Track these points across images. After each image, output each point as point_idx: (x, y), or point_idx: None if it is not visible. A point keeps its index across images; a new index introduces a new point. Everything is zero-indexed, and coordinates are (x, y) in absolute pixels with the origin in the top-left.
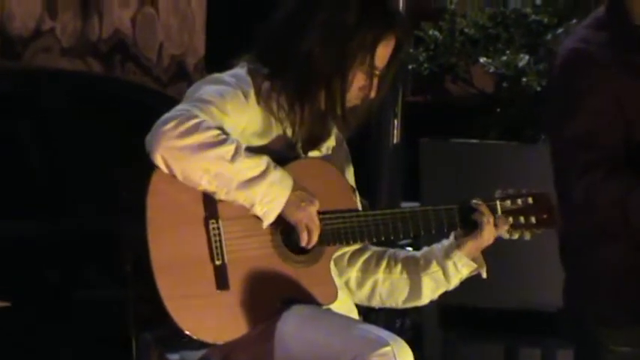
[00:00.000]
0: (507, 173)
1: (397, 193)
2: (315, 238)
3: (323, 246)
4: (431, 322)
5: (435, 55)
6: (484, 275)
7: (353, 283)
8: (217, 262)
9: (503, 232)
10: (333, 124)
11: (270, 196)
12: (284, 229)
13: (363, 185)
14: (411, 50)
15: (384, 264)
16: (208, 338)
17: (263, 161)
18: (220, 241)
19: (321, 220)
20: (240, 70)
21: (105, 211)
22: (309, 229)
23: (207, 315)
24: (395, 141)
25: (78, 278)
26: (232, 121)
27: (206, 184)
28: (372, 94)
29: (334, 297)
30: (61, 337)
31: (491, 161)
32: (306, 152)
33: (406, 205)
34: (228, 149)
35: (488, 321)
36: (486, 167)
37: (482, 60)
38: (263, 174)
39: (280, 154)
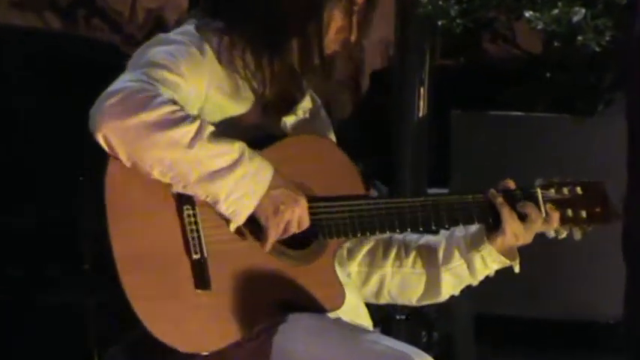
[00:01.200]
0: (557, 153)
1: (423, 177)
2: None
3: (324, 239)
4: (464, 335)
5: (469, 9)
6: (516, 269)
7: (355, 279)
8: (195, 256)
9: (548, 227)
10: (307, 81)
11: (239, 192)
12: None
13: (383, 168)
14: (440, 2)
15: (392, 255)
16: (189, 347)
17: (235, 148)
18: (197, 230)
19: (321, 208)
20: (188, 27)
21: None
22: (283, 227)
23: (186, 319)
24: (421, 114)
25: (38, 279)
26: (191, 84)
27: (158, 175)
28: (353, 37)
29: (341, 300)
30: (17, 347)
31: (537, 138)
32: (280, 117)
33: (433, 191)
34: (186, 131)
35: (532, 334)
36: (531, 146)
37: (527, 14)
38: (233, 165)
39: (259, 123)
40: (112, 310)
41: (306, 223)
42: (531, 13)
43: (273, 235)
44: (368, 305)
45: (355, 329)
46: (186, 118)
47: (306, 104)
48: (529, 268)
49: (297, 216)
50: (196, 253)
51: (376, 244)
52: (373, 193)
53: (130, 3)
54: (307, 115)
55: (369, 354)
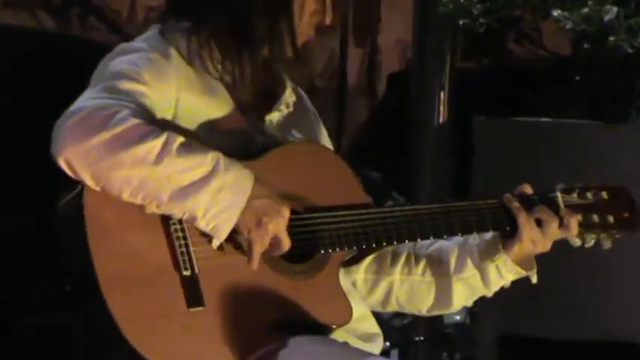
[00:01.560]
0: (587, 162)
1: (443, 186)
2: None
3: (325, 253)
4: (487, 357)
5: (493, 7)
6: (534, 279)
7: (361, 286)
8: (185, 273)
9: (570, 234)
10: (284, 71)
11: (217, 206)
12: None
13: (400, 177)
14: (462, 0)
15: (401, 262)
16: None
17: (208, 159)
18: (186, 245)
19: (321, 219)
20: (152, 32)
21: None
22: (268, 250)
23: (178, 340)
24: (441, 120)
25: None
26: (158, 91)
27: (129, 196)
28: (327, 20)
29: (348, 315)
30: None
31: (565, 146)
32: (261, 116)
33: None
34: (151, 146)
35: (562, 356)
36: (559, 154)
37: (555, 13)
38: (207, 177)
39: (240, 126)
40: (100, 333)
41: (285, 243)
42: (559, 11)
43: (258, 250)
44: (382, 324)
45: (362, 355)
46: (150, 133)
47: (288, 97)
48: (557, 285)
49: (283, 227)
50: (186, 269)
51: (384, 250)
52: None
53: (128, 2)
54: (292, 109)
55: None
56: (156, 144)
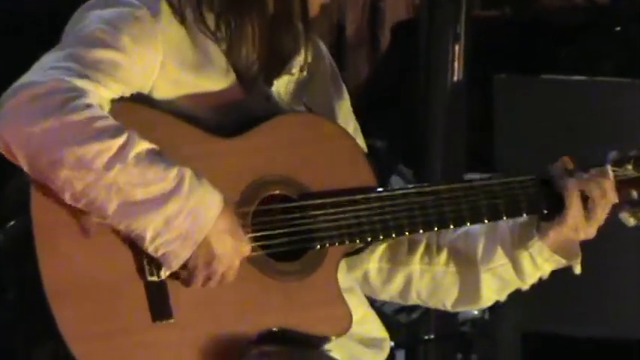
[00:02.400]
0: (627, 126)
1: (459, 158)
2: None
3: (322, 247)
4: (509, 358)
5: None
6: (577, 270)
7: (375, 277)
8: (151, 278)
9: (624, 215)
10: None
11: (169, 234)
12: (261, 219)
13: (408, 147)
14: None
15: (420, 249)
16: None
17: (170, 176)
18: None
19: (317, 209)
20: None
21: None
22: (206, 281)
23: None
24: (455, 78)
25: None
26: (137, 59)
27: (70, 199)
28: None
29: (347, 323)
30: None
31: (602, 108)
32: (269, 80)
33: (473, 176)
34: (104, 147)
35: (592, 357)
36: (595, 118)
37: None
38: (165, 197)
39: (237, 97)
40: (47, 353)
41: (229, 280)
42: None
43: (194, 287)
44: (385, 320)
45: None
46: (106, 131)
47: (303, 59)
48: (588, 277)
49: (231, 275)
50: (152, 274)
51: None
52: (396, 182)
53: None
54: (304, 74)
55: None
56: (110, 145)
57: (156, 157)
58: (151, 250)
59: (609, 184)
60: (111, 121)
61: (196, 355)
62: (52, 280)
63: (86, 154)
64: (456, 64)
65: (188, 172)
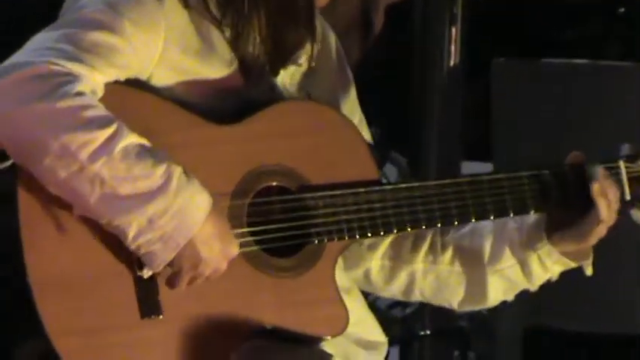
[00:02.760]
0: (633, 113)
1: (456, 146)
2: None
3: (320, 243)
4: (510, 357)
5: None
6: (588, 272)
7: (377, 275)
8: (140, 273)
9: (636, 212)
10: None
11: (153, 233)
12: (257, 212)
13: (403, 134)
14: None
15: (424, 247)
16: None
17: (159, 171)
18: None
19: (315, 201)
20: None
21: None
22: (192, 281)
23: (126, 359)
24: (452, 62)
25: None
26: (136, 45)
27: (55, 189)
28: None
29: (344, 323)
30: None
31: (607, 94)
32: (275, 71)
33: (471, 166)
34: (90, 138)
35: (605, 355)
36: (599, 104)
37: None
38: (150, 194)
39: (240, 86)
40: (31, 350)
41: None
42: None
43: (178, 287)
44: (379, 315)
45: None
46: (94, 121)
47: (312, 49)
48: (598, 271)
49: (218, 272)
50: (141, 268)
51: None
52: (389, 171)
53: None
54: (312, 63)
55: None
56: (97, 136)
57: (145, 152)
58: (133, 247)
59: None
60: (101, 111)
61: (185, 353)
62: (39, 275)
63: (71, 143)
64: (452, 47)
65: (177, 170)
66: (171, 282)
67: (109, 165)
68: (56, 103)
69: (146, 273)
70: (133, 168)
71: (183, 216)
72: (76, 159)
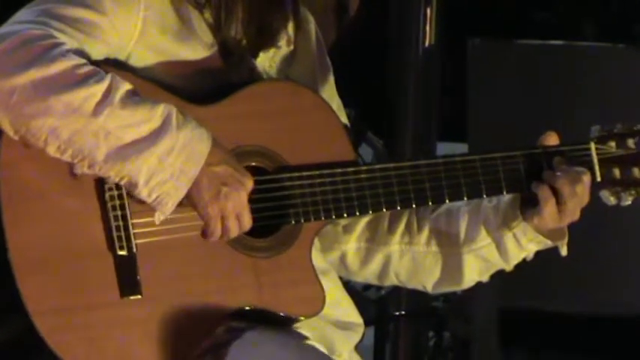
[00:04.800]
0: (609, 93)
1: (431, 127)
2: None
3: (297, 223)
4: (486, 337)
5: None
6: (563, 252)
7: (353, 258)
8: (121, 252)
9: (605, 193)
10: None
11: (163, 173)
12: None
13: (377, 115)
14: None
15: (400, 228)
16: None
17: (157, 113)
18: (124, 218)
19: (293, 181)
20: None
21: None
22: (227, 229)
23: (107, 337)
24: (427, 43)
25: None
26: (117, 23)
27: (55, 151)
28: None
29: (320, 304)
30: None
31: (583, 74)
32: (255, 54)
33: (445, 147)
34: (90, 93)
35: (581, 335)
36: (575, 84)
37: None
38: (154, 136)
39: (218, 67)
40: (10, 329)
41: (247, 221)
42: None
43: (217, 229)
44: (354, 296)
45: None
46: (91, 76)
47: (291, 32)
48: (573, 250)
49: (244, 203)
50: (122, 248)
51: (380, 214)
52: (364, 152)
53: None
54: (291, 47)
55: None
56: (96, 91)
57: (138, 97)
58: (144, 194)
59: (581, 186)
60: (92, 67)
61: (164, 332)
62: (19, 252)
63: (73, 102)
64: (427, 28)
65: (174, 109)
66: (208, 228)
67: (113, 115)
68: (50, 66)
69: (157, 218)
70: (135, 114)
71: (189, 149)
72: (80, 115)
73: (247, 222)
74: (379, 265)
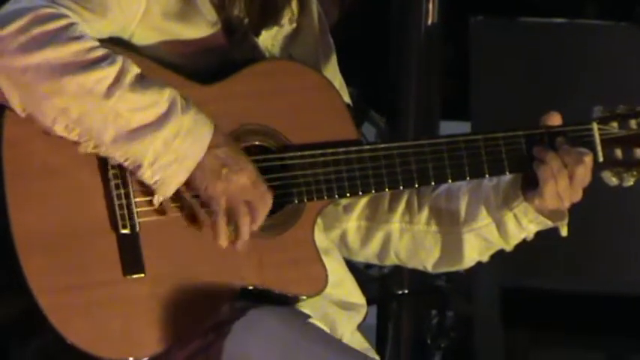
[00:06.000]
0: (612, 73)
1: (433, 104)
2: (255, 225)
3: (300, 202)
4: (488, 316)
5: None
6: (564, 232)
7: (353, 237)
8: (124, 231)
9: (607, 174)
10: None
11: (168, 155)
12: None
13: (381, 94)
14: None
15: (400, 207)
16: (111, 354)
17: (165, 96)
18: (127, 196)
19: (295, 160)
20: None
21: None
22: (235, 212)
23: (110, 316)
24: (429, 21)
25: None
26: (124, 3)
27: (62, 130)
28: None
29: (323, 283)
30: None
31: (585, 53)
32: (257, 32)
33: (448, 126)
34: (103, 75)
35: (583, 314)
36: (577, 63)
37: None
38: (161, 120)
39: (220, 46)
40: (13, 307)
41: (268, 195)
42: None
43: (223, 209)
44: (357, 274)
45: (330, 349)
46: (104, 59)
47: (294, 11)
48: (574, 229)
49: (247, 185)
50: (125, 226)
51: (381, 193)
52: (367, 131)
53: None
54: (293, 24)
55: None
56: (109, 73)
57: (146, 80)
58: (147, 175)
59: (583, 167)
60: (104, 49)
61: (167, 311)
62: (22, 230)
63: (86, 83)
64: (430, 7)
65: (178, 93)
66: (212, 208)
67: (123, 98)
68: (65, 47)
69: (157, 200)
70: (144, 97)
71: (194, 133)
72: (92, 96)
73: (261, 208)
74: (379, 244)
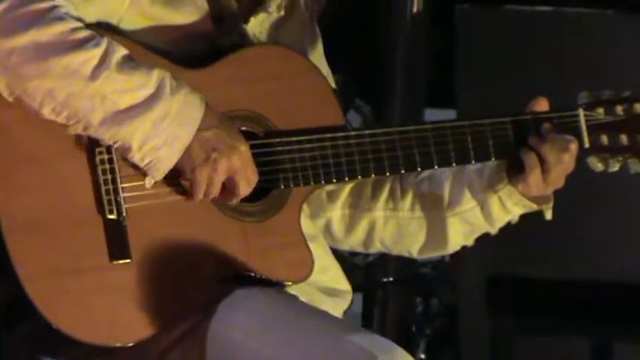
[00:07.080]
0: (597, 60)
1: (419, 92)
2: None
3: (286, 188)
4: (473, 303)
5: None
6: (548, 216)
7: (338, 225)
8: (110, 216)
9: (593, 159)
10: None
11: (157, 138)
12: None
13: (365, 81)
14: None
15: (384, 194)
16: (97, 339)
17: (153, 78)
18: (114, 181)
19: (282, 146)
20: None
21: None
22: (228, 192)
23: (96, 302)
24: (415, 9)
25: None
26: None
27: (50, 113)
28: None
29: (308, 269)
30: None
31: (571, 41)
32: (246, 19)
33: (433, 113)
34: (88, 57)
35: (567, 301)
36: (563, 51)
37: None
38: (149, 101)
39: (207, 31)
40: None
41: (253, 178)
42: None
43: (199, 193)
44: (342, 262)
45: (316, 314)
46: (89, 40)
47: None
48: (558, 217)
49: (237, 167)
50: (112, 212)
51: (363, 180)
52: (352, 118)
53: None
54: (282, 12)
55: (326, 351)
56: (94, 54)
57: (133, 62)
58: (137, 158)
59: (568, 155)
60: (89, 30)
61: (153, 296)
62: (8, 215)
63: (71, 65)
64: None
65: (167, 74)
66: (193, 192)
67: (109, 80)
68: (49, 28)
69: (149, 182)
70: (131, 79)
71: (183, 115)
72: (78, 78)
73: (243, 186)
74: (364, 232)
